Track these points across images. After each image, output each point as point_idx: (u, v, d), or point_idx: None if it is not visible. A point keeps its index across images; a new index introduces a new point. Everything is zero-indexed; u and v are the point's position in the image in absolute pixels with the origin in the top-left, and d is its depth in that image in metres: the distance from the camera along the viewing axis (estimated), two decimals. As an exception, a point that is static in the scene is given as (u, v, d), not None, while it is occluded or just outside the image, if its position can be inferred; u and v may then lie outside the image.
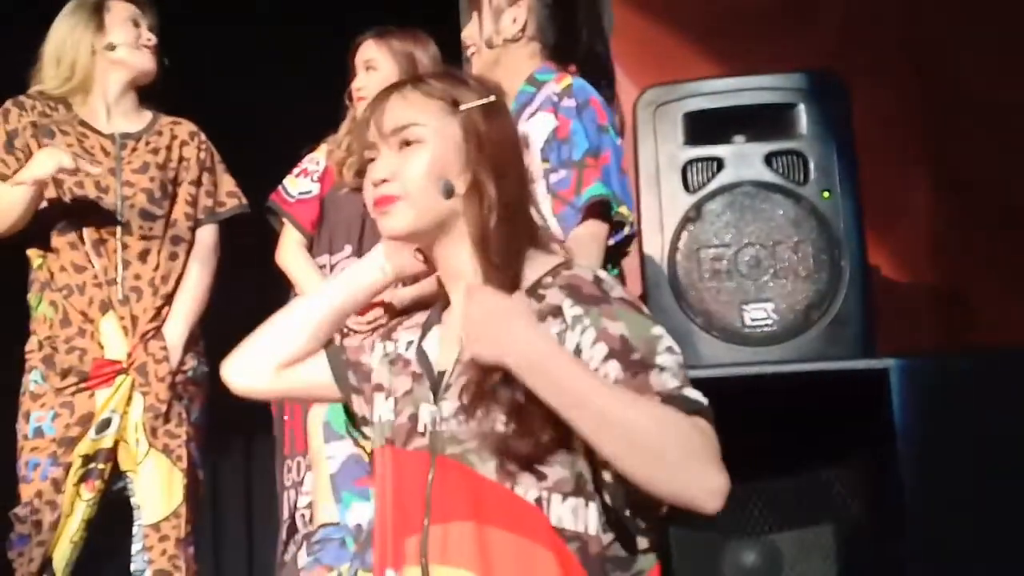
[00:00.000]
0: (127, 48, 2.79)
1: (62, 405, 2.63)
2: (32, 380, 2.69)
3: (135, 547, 2.67)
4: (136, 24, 2.83)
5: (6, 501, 2.68)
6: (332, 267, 2.74)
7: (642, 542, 1.45)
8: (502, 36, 2.39)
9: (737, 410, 2.12)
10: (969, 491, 2.22)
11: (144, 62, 2.82)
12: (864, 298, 2.36)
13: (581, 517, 1.42)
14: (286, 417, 2.73)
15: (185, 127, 2.88)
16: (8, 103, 2.76)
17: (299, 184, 2.82)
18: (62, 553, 2.61)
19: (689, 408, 1.36)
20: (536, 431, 1.41)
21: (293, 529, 2.61)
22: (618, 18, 2.63)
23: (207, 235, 2.84)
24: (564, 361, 1.39)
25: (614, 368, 1.40)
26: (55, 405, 2.63)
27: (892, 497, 2.21)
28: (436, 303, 1.62)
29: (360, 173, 2.79)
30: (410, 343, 1.60)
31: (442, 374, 1.53)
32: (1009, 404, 2.25)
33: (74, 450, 2.61)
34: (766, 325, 2.34)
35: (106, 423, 2.64)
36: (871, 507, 2.28)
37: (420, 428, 1.51)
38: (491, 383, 1.43)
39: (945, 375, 2.32)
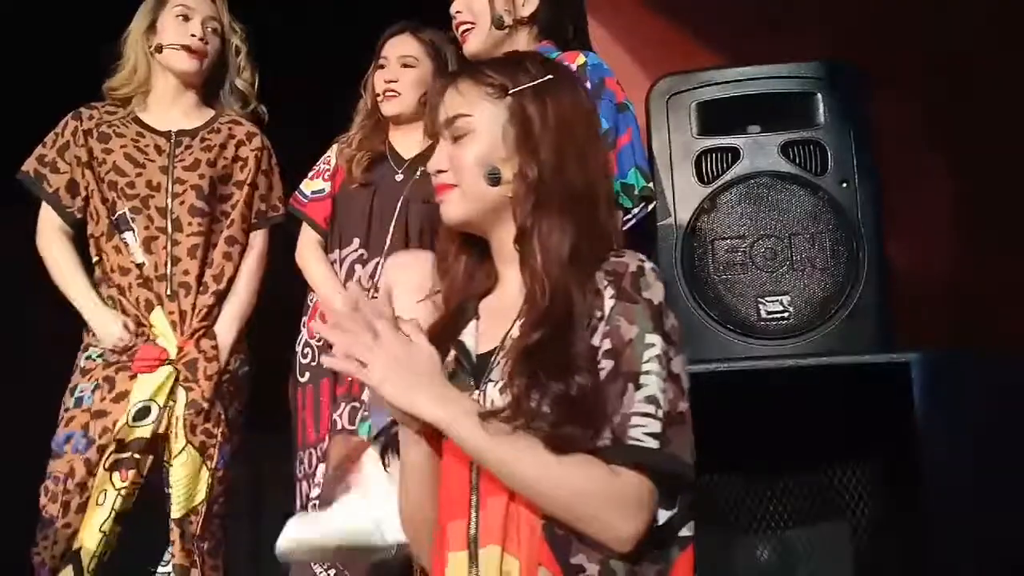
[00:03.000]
0: (170, 49, 2.81)
1: (105, 379, 2.67)
2: (85, 356, 2.73)
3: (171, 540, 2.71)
4: (186, 18, 2.82)
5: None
6: (342, 261, 2.80)
7: (671, 525, 1.47)
8: (516, 15, 2.39)
9: (753, 405, 2.16)
10: (990, 488, 2.19)
11: (181, 63, 2.82)
12: (883, 291, 2.36)
13: None
14: (299, 412, 2.77)
15: (245, 127, 2.89)
16: (70, 115, 2.84)
17: (313, 185, 2.88)
18: (91, 543, 2.62)
19: (625, 459, 1.41)
20: (578, 421, 1.43)
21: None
22: (631, 12, 2.64)
23: (259, 239, 2.87)
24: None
25: (608, 366, 1.45)
26: (99, 379, 2.68)
27: (911, 494, 2.18)
28: (471, 296, 1.63)
29: (368, 169, 2.82)
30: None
31: (482, 358, 1.56)
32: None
33: (104, 425, 2.64)
34: (782, 318, 2.35)
35: (145, 411, 2.66)
36: (889, 504, 2.27)
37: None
38: (535, 370, 1.46)
39: (967, 370, 2.28)
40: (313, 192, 2.85)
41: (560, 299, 1.51)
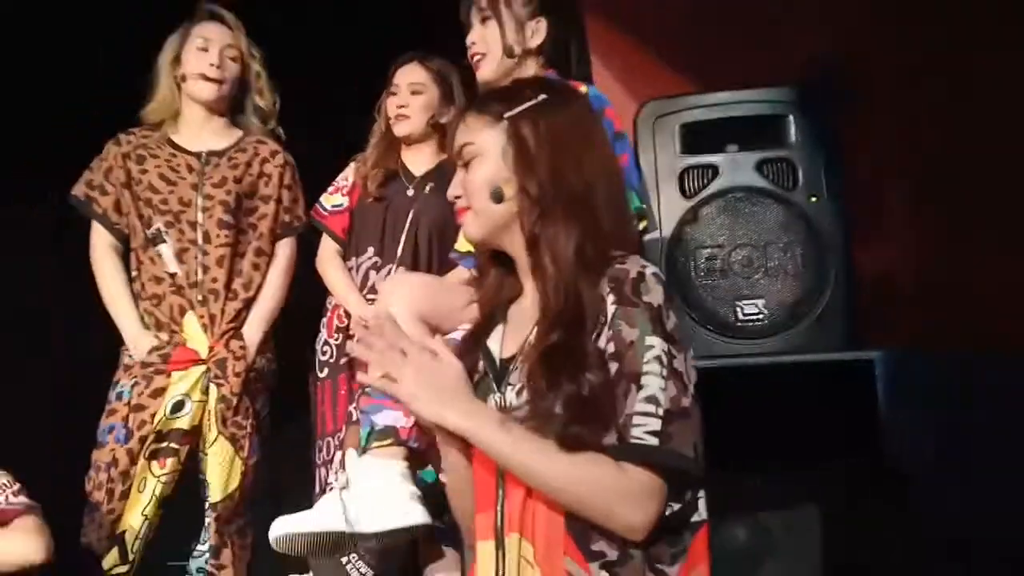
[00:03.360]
0: (192, 79, 2.97)
1: (143, 377, 2.84)
2: (128, 355, 2.90)
3: (206, 523, 2.85)
4: (205, 49, 2.97)
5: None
6: (358, 268, 2.97)
7: (682, 513, 1.53)
8: (525, 46, 2.45)
9: (731, 398, 2.14)
10: (949, 477, 2.28)
11: (202, 92, 2.98)
12: (849, 295, 2.41)
13: None
14: (318, 405, 2.91)
15: (268, 146, 3.04)
16: (111, 141, 3.00)
17: (332, 199, 3.06)
18: (134, 526, 2.77)
19: (628, 457, 1.47)
20: (588, 420, 1.49)
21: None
22: (616, 40, 2.73)
23: (285, 248, 3.02)
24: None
25: (613, 368, 1.51)
26: (138, 376, 2.84)
27: (876, 481, 2.26)
28: (501, 302, 1.70)
29: (382, 185, 2.98)
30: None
31: (505, 363, 1.63)
32: (982, 396, 2.33)
33: (142, 418, 2.79)
34: (758, 320, 2.41)
35: (180, 404, 2.82)
36: (856, 491, 2.32)
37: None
38: (550, 372, 1.52)
39: (927, 367, 2.36)
40: (333, 206, 3.02)
41: (571, 300, 1.56)
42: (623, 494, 1.47)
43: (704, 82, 2.80)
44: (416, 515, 2.07)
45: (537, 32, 2.45)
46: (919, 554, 2.25)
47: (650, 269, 1.56)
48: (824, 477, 2.37)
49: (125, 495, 2.78)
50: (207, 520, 2.84)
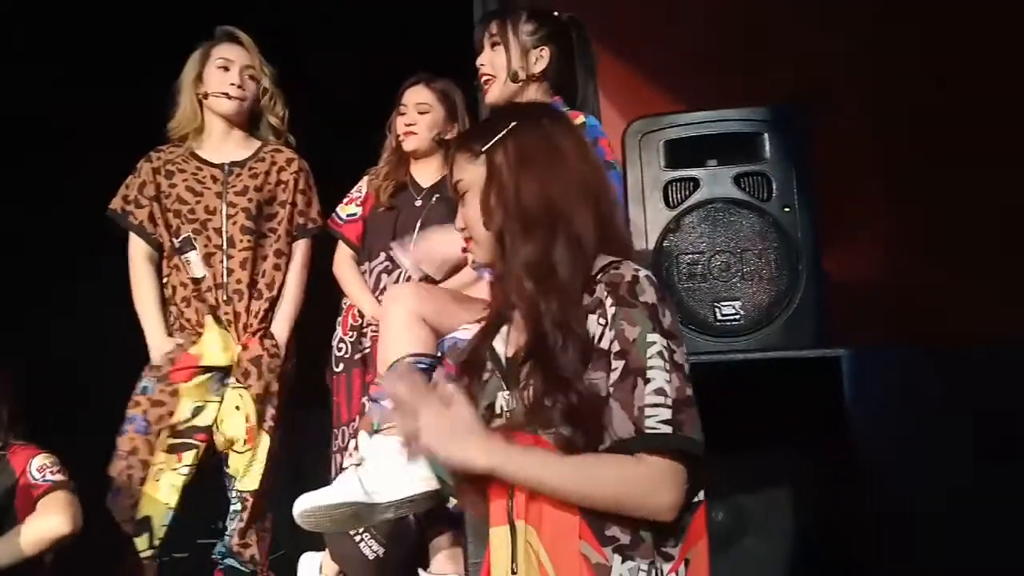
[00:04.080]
0: (214, 97, 3.13)
1: (163, 377, 3.01)
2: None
3: (232, 509, 3.00)
4: (226, 68, 3.12)
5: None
6: (371, 271, 3.13)
7: (688, 493, 1.59)
8: (528, 72, 2.55)
9: (710, 392, 2.21)
10: (912, 465, 2.38)
11: (224, 108, 3.13)
12: (819, 297, 2.51)
13: None
14: (334, 396, 3.07)
15: (285, 154, 3.20)
16: (143, 158, 3.15)
17: (347, 209, 3.21)
18: (156, 513, 2.92)
19: (646, 447, 1.53)
20: (580, 425, 1.56)
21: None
22: (604, 61, 2.80)
23: (301, 248, 3.17)
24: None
25: (619, 366, 1.56)
26: (159, 376, 3.02)
27: (842, 469, 2.35)
28: (505, 308, 1.75)
29: (393, 195, 3.13)
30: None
31: (511, 361, 1.69)
32: (943, 389, 2.44)
33: (160, 413, 2.95)
34: (735, 320, 2.51)
35: (199, 408, 2.98)
36: (823, 473, 2.44)
37: (498, 411, 1.69)
38: (538, 375, 1.59)
39: (890, 364, 2.47)
40: (348, 215, 3.18)
41: (534, 314, 1.61)
42: (650, 483, 1.53)
43: (687, 102, 2.93)
44: (429, 483, 2.15)
45: (541, 59, 2.56)
46: (875, 529, 2.33)
47: (643, 272, 1.62)
48: (796, 463, 2.49)
49: (142, 482, 2.92)
50: (236, 506, 2.98)
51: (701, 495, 1.62)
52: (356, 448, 2.55)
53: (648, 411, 1.54)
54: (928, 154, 2.94)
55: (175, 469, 2.97)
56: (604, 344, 1.58)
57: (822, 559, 2.43)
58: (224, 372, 3.04)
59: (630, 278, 1.60)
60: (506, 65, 2.56)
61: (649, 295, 1.59)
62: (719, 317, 2.52)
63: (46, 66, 3.90)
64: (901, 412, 2.42)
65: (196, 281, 3.08)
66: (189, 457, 2.99)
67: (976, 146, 2.95)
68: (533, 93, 2.58)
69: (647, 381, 1.55)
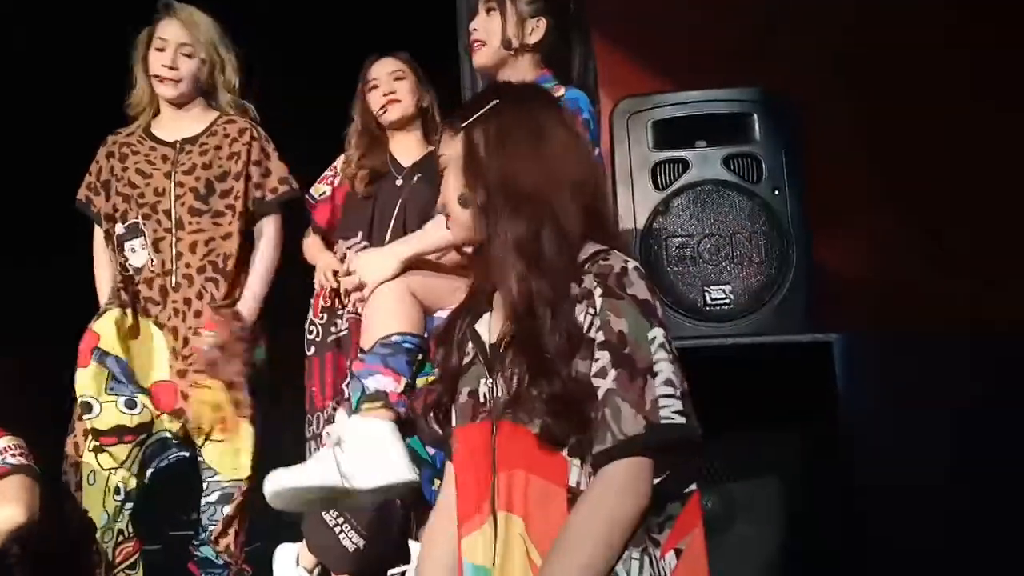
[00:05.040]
0: (155, 80, 3.02)
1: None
2: None
3: (207, 500, 2.89)
4: (161, 50, 3.00)
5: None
6: (347, 250, 3.02)
7: (669, 485, 1.57)
8: (522, 41, 2.50)
9: (699, 377, 2.25)
10: (902, 449, 2.44)
11: (161, 91, 3.02)
12: (809, 282, 2.50)
13: None
14: (306, 381, 2.99)
15: (238, 124, 3.04)
16: (102, 142, 3.05)
17: (319, 188, 3.13)
18: (98, 516, 2.79)
19: (663, 436, 1.51)
20: (568, 416, 1.54)
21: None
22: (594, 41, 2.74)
23: (270, 225, 3.02)
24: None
25: (604, 357, 1.54)
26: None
27: (832, 454, 2.36)
28: (485, 290, 1.73)
29: (370, 183, 3.04)
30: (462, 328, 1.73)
31: (495, 347, 1.66)
32: (930, 374, 2.48)
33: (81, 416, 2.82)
34: (724, 304, 2.50)
35: (87, 406, 2.84)
36: (813, 461, 2.43)
37: (481, 399, 1.65)
38: (522, 362, 1.57)
39: (881, 348, 2.50)
40: (320, 195, 3.10)
41: (524, 292, 1.58)
42: (630, 493, 1.52)
43: (676, 81, 2.90)
44: (407, 471, 2.10)
45: (536, 30, 2.51)
46: (862, 512, 2.35)
47: (631, 264, 1.60)
48: (786, 450, 2.48)
49: (79, 487, 2.79)
50: (211, 497, 2.89)
51: (694, 486, 1.62)
52: (332, 420, 2.46)
53: (662, 402, 1.53)
54: (927, 132, 2.98)
55: (107, 470, 2.83)
56: (591, 334, 1.56)
57: (812, 545, 2.42)
58: (130, 381, 2.90)
59: (619, 269, 1.58)
60: (500, 32, 2.52)
61: (639, 288, 1.58)
62: (708, 301, 2.51)
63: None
64: (892, 398, 2.47)
65: (137, 271, 2.95)
66: (119, 453, 2.85)
67: (969, 136, 2.99)
68: (524, 63, 2.54)
69: (655, 375, 1.54)
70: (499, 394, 1.62)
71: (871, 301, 2.91)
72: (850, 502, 2.36)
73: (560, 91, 2.44)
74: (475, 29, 2.56)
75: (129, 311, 2.92)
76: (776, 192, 2.53)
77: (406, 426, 2.18)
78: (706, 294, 2.51)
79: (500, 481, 1.59)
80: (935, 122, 2.99)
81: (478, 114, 1.68)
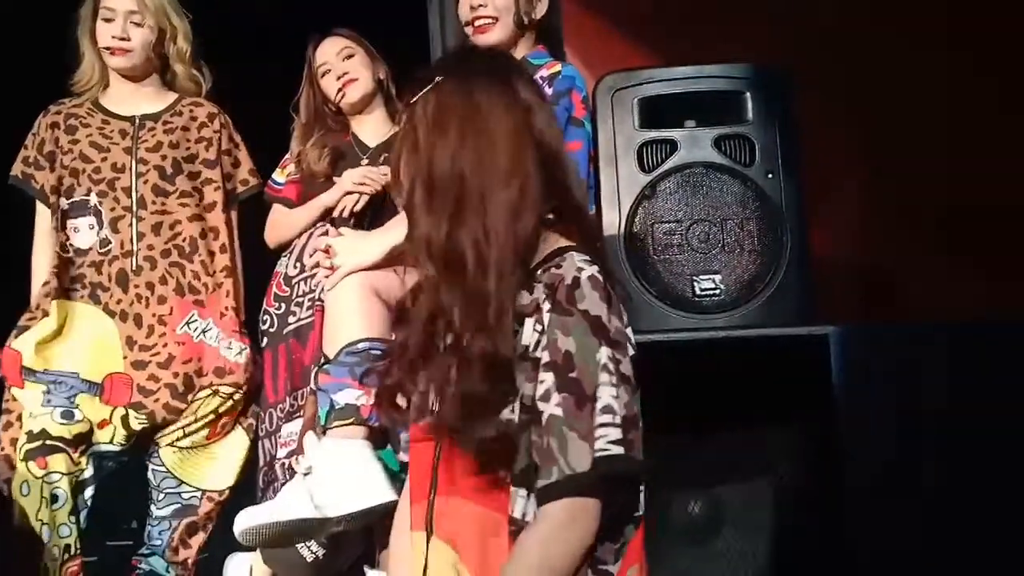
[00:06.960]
0: (105, 52, 2.88)
1: None
2: None
3: (159, 513, 2.76)
4: (109, 20, 2.86)
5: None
6: (311, 235, 2.86)
7: (626, 511, 1.53)
8: (531, 18, 2.50)
9: (687, 372, 2.22)
10: (899, 446, 2.34)
11: (114, 64, 2.89)
12: (804, 271, 2.43)
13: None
14: (261, 375, 2.83)
15: (206, 108, 2.94)
16: (41, 114, 2.90)
17: (285, 172, 2.97)
18: (38, 528, 2.64)
19: (599, 470, 1.44)
20: (507, 456, 1.48)
21: (271, 476, 2.70)
22: (572, 14, 2.74)
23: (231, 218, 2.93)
24: None
25: (549, 379, 1.46)
26: None
27: (828, 453, 2.30)
28: None
29: (332, 163, 2.87)
30: None
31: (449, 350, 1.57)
32: (931, 368, 2.37)
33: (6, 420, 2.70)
34: (714, 295, 2.42)
35: (69, 414, 2.70)
36: (809, 462, 2.38)
37: (430, 403, 1.57)
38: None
39: (877, 341, 2.41)
40: (287, 178, 2.94)
41: (433, 308, 1.52)
42: (577, 525, 1.46)
43: (664, 57, 2.82)
44: (384, 493, 2.01)
45: (541, 4, 2.50)
46: (858, 512, 2.29)
47: (586, 272, 1.49)
48: (778, 450, 2.42)
49: (11, 502, 2.65)
50: (164, 511, 2.76)
51: (641, 510, 1.56)
52: (301, 447, 2.35)
53: (599, 431, 1.45)
54: (921, 121, 2.95)
55: (39, 477, 2.65)
56: (538, 353, 1.48)
57: (806, 545, 2.37)
58: (69, 387, 2.75)
59: (570, 280, 1.48)
60: (513, 7, 2.49)
61: (590, 302, 1.47)
62: (697, 292, 2.43)
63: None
64: (891, 392, 2.37)
65: (80, 253, 2.81)
66: (52, 462, 2.67)
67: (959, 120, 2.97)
68: (531, 39, 2.52)
69: (595, 400, 1.46)
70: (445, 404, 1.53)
71: (868, 292, 2.88)
72: (844, 498, 2.29)
73: (556, 66, 2.39)
74: (481, 5, 2.50)
75: (60, 302, 2.76)
76: (770, 176, 2.45)
77: (377, 436, 2.08)
78: (695, 284, 2.43)
79: (438, 505, 1.54)
80: (941, 101, 2.97)
81: (420, 93, 1.57)
